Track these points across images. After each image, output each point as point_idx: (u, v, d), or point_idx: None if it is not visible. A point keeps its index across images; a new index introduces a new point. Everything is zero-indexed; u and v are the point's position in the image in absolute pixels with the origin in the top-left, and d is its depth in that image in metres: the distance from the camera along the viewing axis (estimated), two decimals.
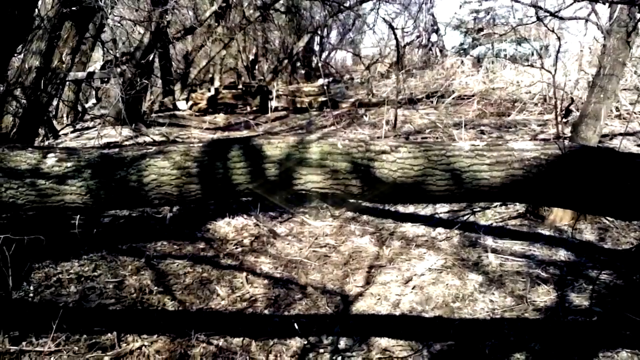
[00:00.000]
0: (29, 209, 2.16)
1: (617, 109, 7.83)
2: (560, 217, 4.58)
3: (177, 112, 11.37)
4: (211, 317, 3.28)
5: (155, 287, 3.56)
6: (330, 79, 14.64)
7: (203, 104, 11.58)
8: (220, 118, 11.21)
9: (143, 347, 2.89)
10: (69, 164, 2.06)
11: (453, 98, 9.99)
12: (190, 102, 11.78)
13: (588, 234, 4.38)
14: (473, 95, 9.86)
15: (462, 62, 13.35)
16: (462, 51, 16.13)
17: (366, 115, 9.70)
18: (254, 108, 11.68)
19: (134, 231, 4.42)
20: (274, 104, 11.61)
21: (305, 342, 3.01)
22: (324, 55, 18.27)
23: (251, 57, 15.32)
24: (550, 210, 4.62)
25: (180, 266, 3.90)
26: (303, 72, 16.99)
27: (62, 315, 2.92)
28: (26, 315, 3.09)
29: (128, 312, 3.27)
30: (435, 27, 17.06)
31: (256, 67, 15.85)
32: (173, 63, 12.96)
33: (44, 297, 3.33)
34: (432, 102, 10.30)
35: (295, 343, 3.02)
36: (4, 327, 2.86)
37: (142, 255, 3.99)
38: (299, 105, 11.59)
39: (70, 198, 2.04)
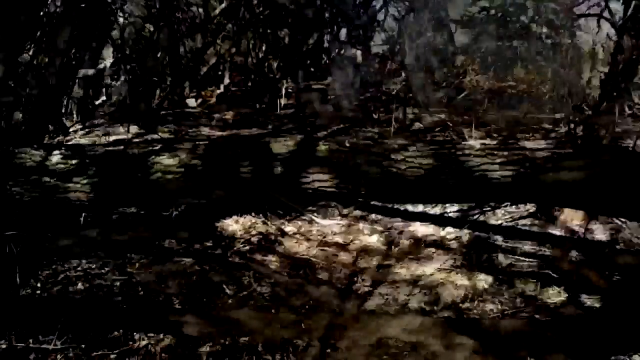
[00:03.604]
0: (35, 205, 2.15)
1: (631, 107, 7.72)
2: (572, 217, 4.51)
3: (186, 109, 11.37)
4: (217, 316, 3.26)
5: (162, 285, 3.55)
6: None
7: (212, 101, 11.57)
8: (229, 115, 11.18)
9: (149, 346, 2.87)
10: (73, 162, 2.05)
11: (463, 96, 9.90)
12: (200, 100, 11.78)
13: (600, 234, 4.31)
14: (484, 93, 9.77)
15: (473, 59, 13.23)
16: (472, 48, 15.98)
17: (375, 114, 9.65)
18: (263, 105, 11.65)
19: (141, 228, 4.41)
20: (283, 101, 11.59)
21: (313, 342, 2.99)
22: (334, 52, 18.19)
23: (261, 54, 15.29)
24: (561, 210, 4.56)
25: (187, 264, 3.88)
26: (313, 69, 16.94)
27: (68, 312, 2.92)
28: (33, 312, 3.09)
29: (135, 310, 3.26)
30: (446, 24, 16.92)
31: (266, 64, 15.82)
32: (182, 60, 12.95)
33: (51, 294, 3.33)
34: (442, 99, 10.22)
35: (302, 342, 2.99)
36: (10, 324, 2.86)
37: (149, 252, 3.97)
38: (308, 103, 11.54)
39: (75, 195, 2.03)
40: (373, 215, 5.04)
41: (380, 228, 4.75)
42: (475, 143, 2.08)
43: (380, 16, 17.16)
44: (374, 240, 4.51)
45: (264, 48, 15.56)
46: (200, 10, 12.88)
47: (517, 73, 10.74)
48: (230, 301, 3.43)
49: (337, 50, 18.49)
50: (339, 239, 4.53)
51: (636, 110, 7.71)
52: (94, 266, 3.69)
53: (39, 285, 3.39)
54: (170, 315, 3.22)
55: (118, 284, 3.51)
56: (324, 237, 4.57)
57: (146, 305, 3.31)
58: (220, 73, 14.58)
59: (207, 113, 11.24)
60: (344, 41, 18.35)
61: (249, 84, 12.21)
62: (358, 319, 3.23)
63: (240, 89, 11.85)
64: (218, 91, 11.71)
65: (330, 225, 4.83)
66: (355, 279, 3.80)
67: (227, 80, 13.57)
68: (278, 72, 14.56)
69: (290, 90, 12.04)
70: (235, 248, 4.24)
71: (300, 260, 4.09)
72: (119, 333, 2.93)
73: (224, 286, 3.61)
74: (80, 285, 3.44)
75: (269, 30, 15.29)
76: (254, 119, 10.33)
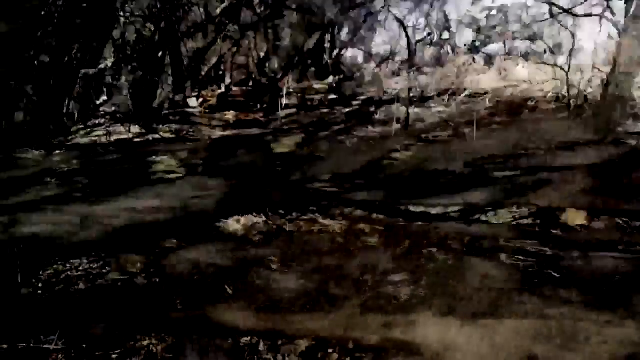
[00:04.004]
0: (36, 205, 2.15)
1: (632, 108, 7.71)
2: (574, 217, 4.51)
3: (187, 109, 11.38)
4: (219, 316, 3.25)
5: (164, 285, 3.55)
6: (341, 76, 14.59)
7: (213, 101, 11.60)
8: (230, 115, 11.20)
9: (151, 346, 2.87)
10: (75, 162, 2.04)
11: (465, 96, 9.91)
12: (201, 100, 11.80)
13: (602, 234, 4.31)
14: (485, 93, 9.78)
15: (474, 59, 13.23)
16: (474, 49, 15.98)
17: (377, 113, 9.65)
18: (264, 105, 11.67)
19: (142, 228, 4.41)
20: (284, 101, 11.60)
21: (314, 342, 2.98)
22: (335, 52, 18.20)
23: (262, 54, 15.30)
24: (563, 210, 4.56)
25: (188, 264, 3.88)
26: (314, 69, 16.93)
27: (70, 312, 2.92)
28: (34, 312, 3.09)
29: (136, 310, 3.25)
30: (447, 25, 16.92)
31: (267, 64, 15.83)
32: (184, 60, 12.96)
33: (52, 294, 3.32)
34: (443, 100, 10.23)
35: (304, 343, 2.99)
36: (12, 324, 2.86)
37: (151, 252, 3.98)
38: (309, 103, 11.58)
39: (76, 195, 2.02)
40: (374, 215, 5.04)
41: (381, 228, 4.75)
42: (477, 143, 2.08)
43: (381, 16, 17.16)
44: (375, 240, 4.50)
45: (265, 48, 15.58)
46: (202, 10, 12.90)
47: (519, 73, 10.74)
48: (231, 301, 3.43)
49: (338, 50, 18.50)
50: (340, 239, 4.53)
51: (638, 111, 7.70)
52: (95, 266, 3.69)
53: (40, 285, 3.38)
54: (171, 315, 3.21)
55: (119, 284, 3.51)
56: (325, 236, 4.57)
57: (147, 305, 3.31)
58: (221, 73, 14.60)
59: (208, 113, 11.25)
60: (345, 41, 18.36)
61: (250, 83, 12.22)
62: (359, 318, 3.23)
63: (242, 89, 11.86)
64: (219, 91, 11.73)
65: (332, 225, 4.82)
66: (357, 278, 3.79)
67: (228, 80, 13.59)
68: (279, 72, 14.58)
69: (291, 90, 12.05)
70: (236, 248, 4.24)
71: (302, 260, 4.09)
72: (120, 333, 2.93)
73: (225, 286, 3.60)
74: (81, 285, 3.44)
75: (269, 30, 15.30)
76: (254, 118, 10.34)
